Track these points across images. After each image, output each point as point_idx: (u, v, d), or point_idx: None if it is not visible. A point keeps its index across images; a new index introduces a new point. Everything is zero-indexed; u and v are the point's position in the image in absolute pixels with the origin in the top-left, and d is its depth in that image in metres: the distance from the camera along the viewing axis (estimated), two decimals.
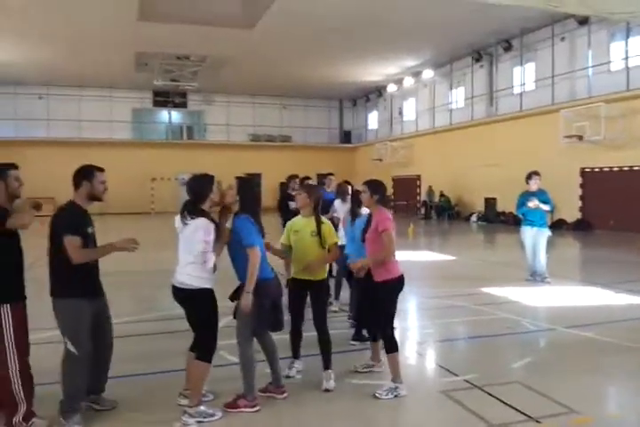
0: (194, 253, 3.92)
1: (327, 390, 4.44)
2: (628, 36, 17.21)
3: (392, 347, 4.46)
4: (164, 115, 33.19)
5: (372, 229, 4.49)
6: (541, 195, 9.04)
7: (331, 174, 9.04)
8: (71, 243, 3.69)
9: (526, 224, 9.16)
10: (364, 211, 6.00)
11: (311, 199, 4.64)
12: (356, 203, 5.80)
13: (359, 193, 4.86)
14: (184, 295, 3.96)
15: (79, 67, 25.26)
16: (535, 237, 9.05)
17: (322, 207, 4.81)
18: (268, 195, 29.99)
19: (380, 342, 4.67)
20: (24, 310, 3.78)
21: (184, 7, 16.82)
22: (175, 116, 33.44)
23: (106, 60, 24.05)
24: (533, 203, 8.86)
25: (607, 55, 18.00)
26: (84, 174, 3.90)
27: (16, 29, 19.20)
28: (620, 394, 4.67)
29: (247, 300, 3.96)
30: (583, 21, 18.24)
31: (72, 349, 3.76)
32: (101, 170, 3.98)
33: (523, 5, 13.90)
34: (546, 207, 9.00)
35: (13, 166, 3.83)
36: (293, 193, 8.52)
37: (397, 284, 4.49)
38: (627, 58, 17.17)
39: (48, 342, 4.85)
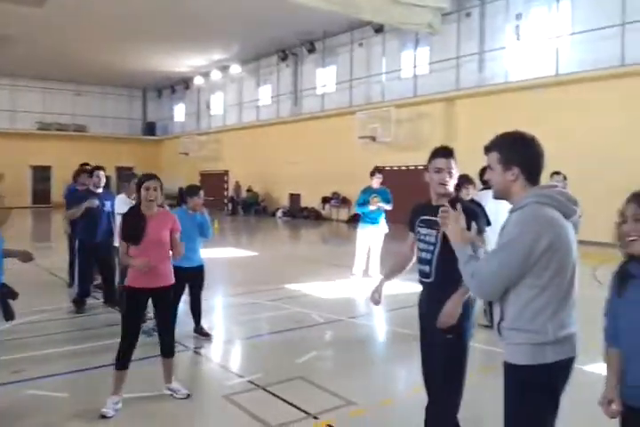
0: None
1: None
2: (416, 46, 18.69)
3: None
4: None
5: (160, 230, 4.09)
6: (384, 193, 8.85)
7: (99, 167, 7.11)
8: None
9: (366, 222, 8.95)
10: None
11: None
12: None
13: None
14: None
15: None
16: (374, 236, 8.94)
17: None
18: (59, 190, 27.35)
19: None
20: None
21: None
22: None
23: None
24: (375, 205, 8.68)
25: (399, 63, 19.43)
26: None
27: None
28: (393, 381, 4.83)
29: None
30: (379, 29, 19.40)
31: None
32: None
33: (323, 9, 14.33)
34: (387, 207, 8.82)
35: None
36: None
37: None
38: (415, 66, 18.70)
39: None
